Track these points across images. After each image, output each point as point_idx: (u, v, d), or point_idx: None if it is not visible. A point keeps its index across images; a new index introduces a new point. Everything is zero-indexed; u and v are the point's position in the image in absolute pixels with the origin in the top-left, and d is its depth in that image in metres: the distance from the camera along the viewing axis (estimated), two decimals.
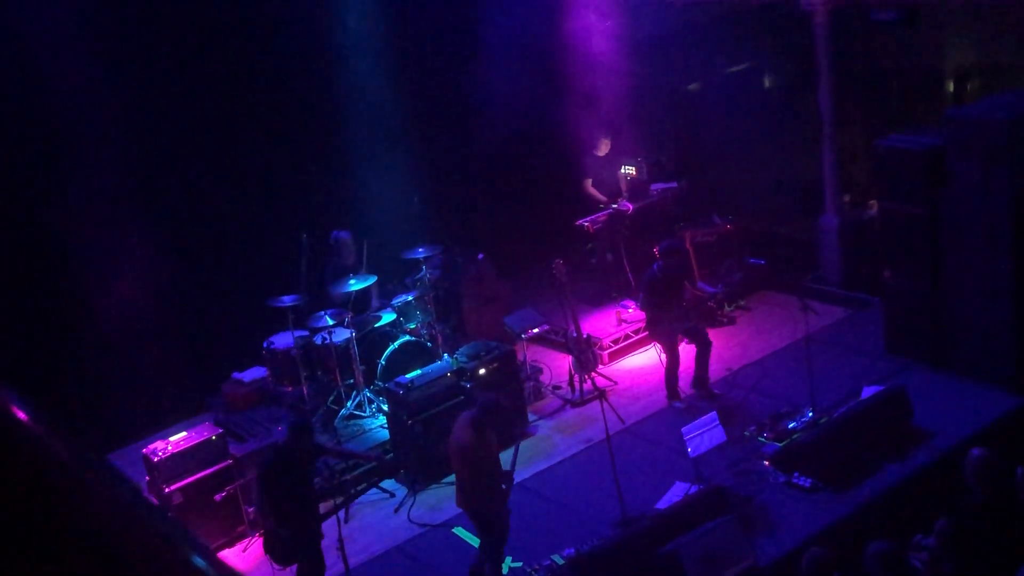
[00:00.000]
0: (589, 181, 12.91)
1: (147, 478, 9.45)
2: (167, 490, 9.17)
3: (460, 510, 9.44)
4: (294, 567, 8.13)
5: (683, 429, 8.82)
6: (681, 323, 10.48)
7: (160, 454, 9.28)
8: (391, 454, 10.18)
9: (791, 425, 9.68)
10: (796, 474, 8.97)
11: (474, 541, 8.99)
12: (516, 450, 8.51)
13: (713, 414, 9.03)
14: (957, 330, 10.14)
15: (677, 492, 8.98)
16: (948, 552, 7.22)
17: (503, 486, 8.22)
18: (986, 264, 9.69)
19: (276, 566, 8.13)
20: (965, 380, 9.97)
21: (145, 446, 9.65)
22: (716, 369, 11.01)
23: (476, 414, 8.14)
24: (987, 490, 7.18)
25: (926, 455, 9.11)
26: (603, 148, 12.86)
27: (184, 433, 9.63)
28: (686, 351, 10.65)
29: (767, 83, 14.68)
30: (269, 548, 8.03)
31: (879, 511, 8.59)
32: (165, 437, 9.64)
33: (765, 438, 9.62)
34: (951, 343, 10.22)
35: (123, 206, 10.93)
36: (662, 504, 8.89)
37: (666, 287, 10.41)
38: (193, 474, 9.31)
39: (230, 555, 9.43)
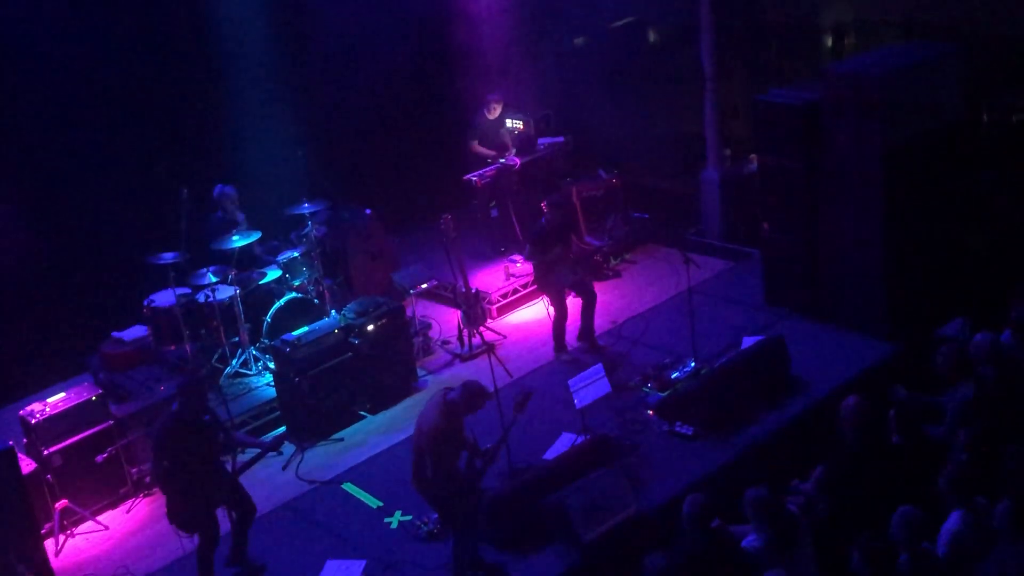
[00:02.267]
0: (476, 142, 12.89)
1: (24, 440, 9.20)
2: (46, 452, 8.96)
3: (348, 466, 9.49)
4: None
5: (569, 381, 8.93)
6: (568, 276, 10.59)
7: (38, 416, 9.05)
8: (282, 428, 10.05)
9: (674, 375, 9.90)
10: (679, 423, 9.21)
11: (365, 497, 9.02)
12: (507, 431, 7.94)
13: (599, 366, 9.16)
14: (832, 281, 10.46)
15: (564, 443, 9.13)
16: (822, 496, 7.51)
17: (478, 464, 7.70)
18: (859, 217, 10.00)
19: (182, 534, 8.02)
20: (840, 330, 10.32)
21: (22, 408, 9.39)
22: (602, 322, 11.17)
23: (457, 398, 7.65)
24: (859, 436, 7.48)
25: (802, 403, 9.43)
26: (494, 112, 12.83)
27: (63, 394, 9.38)
28: (573, 304, 10.77)
29: (651, 38, 14.80)
30: (172, 516, 7.88)
31: (758, 457, 8.87)
32: (43, 398, 9.39)
33: (649, 388, 9.83)
34: (827, 294, 10.54)
35: None
36: (549, 455, 9.03)
37: (553, 240, 10.49)
38: (73, 435, 9.11)
39: (114, 516, 9.28)
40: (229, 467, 8.06)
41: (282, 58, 12.34)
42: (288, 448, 9.77)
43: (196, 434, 7.78)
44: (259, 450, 8.47)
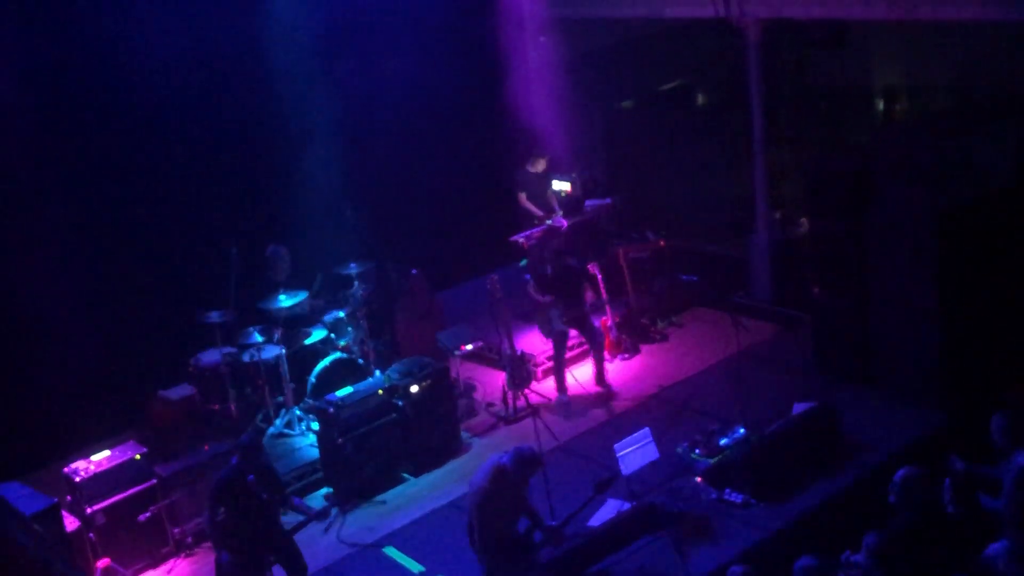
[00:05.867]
0: (524, 195, 12.90)
1: (68, 498, 9.20)
2: (89, 511, 8.95)
3: (390, 530, 9.40)
4: None
5: (616, 446, 8.82)
6: (574, 320, 10.96)
7: (82, 474, 9.06)
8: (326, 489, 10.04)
9: (723, 441, 9.71)
10: (728, 490, 9.03)
11: (406, 561, 8.91)
12: (575, 512, 7.97)
13: (646, 430, 9.04)
14: (884, 348, 10.27)
15: (610, 509, 8.97)
16: (877, 568, 7.28)
17: (536, 536, 7.71)
18: (911, 283, 9.84)
19: None
20: (892, 397, 10.10)
21: (67, 465, 9.40)
22: (648, 386, 11.06)
23: (507, 464, 7.67)
24: (912, 507, 7.27)
25: (854, 471, 9.21)
26: (539, 165, 12.86)
27: (107, 452, 9.39)
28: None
29: (700, 101, 14.82)
30: (220, 572, 7.86)
31: (809, 527, 8.66)
32: (88, 456, 9.40)
33: (697, 454, 9.64)
34: (879, 360, 10.34)
35: (43, 218, 10.67)
36: (595, 522, 8.88)
37: (557, 284, 10.92)
38: (116, 494, 9.11)
39: None
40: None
41: (331, 118, 12.45)
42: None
43: (244, 495, 7.80)
44: (304, 516, 8.44)
